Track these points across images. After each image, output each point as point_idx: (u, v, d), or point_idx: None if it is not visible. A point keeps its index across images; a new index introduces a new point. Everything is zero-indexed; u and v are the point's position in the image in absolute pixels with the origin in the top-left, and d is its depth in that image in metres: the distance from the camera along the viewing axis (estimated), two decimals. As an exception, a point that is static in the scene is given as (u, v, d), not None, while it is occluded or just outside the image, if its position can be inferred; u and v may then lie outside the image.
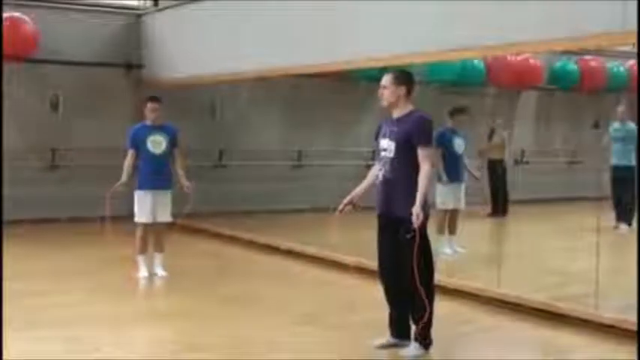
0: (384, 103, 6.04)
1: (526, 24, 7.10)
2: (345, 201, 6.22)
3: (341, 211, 6.23)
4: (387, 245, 5.99)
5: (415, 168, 5.83)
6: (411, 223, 5.70)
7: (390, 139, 5.93)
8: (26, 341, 6.16)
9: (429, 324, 5.90)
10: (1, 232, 6.63)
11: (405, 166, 5.85)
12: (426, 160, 5.82)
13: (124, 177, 8.55)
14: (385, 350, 6.01)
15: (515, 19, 7.20)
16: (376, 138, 6.16)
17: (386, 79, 6.01)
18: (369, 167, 6.83)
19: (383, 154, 5.99)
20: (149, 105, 8.62)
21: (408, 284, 5.83)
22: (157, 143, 8.53)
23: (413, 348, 5.92)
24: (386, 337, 6.10)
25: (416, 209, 5.67)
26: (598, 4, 6.44)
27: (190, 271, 9.33)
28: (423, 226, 5.88)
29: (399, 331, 6.07)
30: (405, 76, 6.05)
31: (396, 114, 6.00)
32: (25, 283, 8.31)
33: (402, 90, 5.97)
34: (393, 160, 5.90)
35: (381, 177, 5.99)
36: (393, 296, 6.05)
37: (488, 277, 8.16)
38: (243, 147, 14.01)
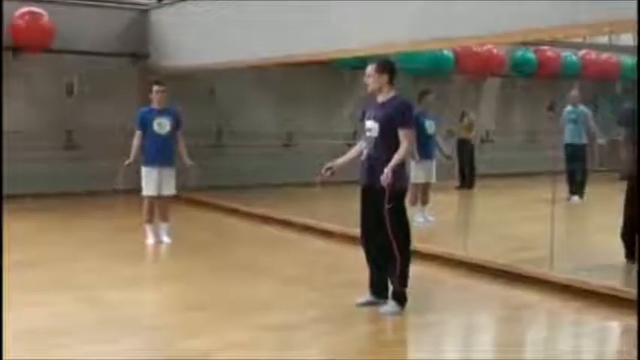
0: (369, 89, 6.09)
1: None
2: (327, 166, 6.23)
3: (321, 175, 6.23)
4: (369, 213, 6.04)
5: (395, 146, 5.89)
6: (389, 197, 5.77)
7: (375, 120, 5.98)
8: (47, 303, 6.19)
9: (404, 284, 5.97)
10: (1, 227, 6.60)
11: (387, 144, 5.91)
12: (405, 139, 5.89)
13: (132, 156, 8.54)
14: (365, 308, 6.07)
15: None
16: (361, 119, 6.21)
17: (370, 69, 6.05)
18: (350, 146, 6.84)
19: (368, 134, 6.05)
20: (155, 88, 8.61)
21: (387, 249, 5.90)
22: (162, 125, 8.53)
23: (390, 306, 5.99)
24: (366, 295, 6.16)
25: (387, 170, 5.74)
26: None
27: (192, 239, 9.35)
28: (401, 198, 5.97)
29: (378, 290, 6.13)
30: (386, 65, 6.08)
31: (380, 99, 6.04)
32: (46, 251, 8.35)
33: (385, 78, 6.02)
34: (376, 139, 5.96)
35: (365, 154, 6.05)
36: (373, 259, 6.12)
37: (456, 242, 8.22)
38: (239, 128, 13.99)
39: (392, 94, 6.04)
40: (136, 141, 8.57)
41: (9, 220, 10.06)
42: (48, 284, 6.81)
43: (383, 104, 6.02)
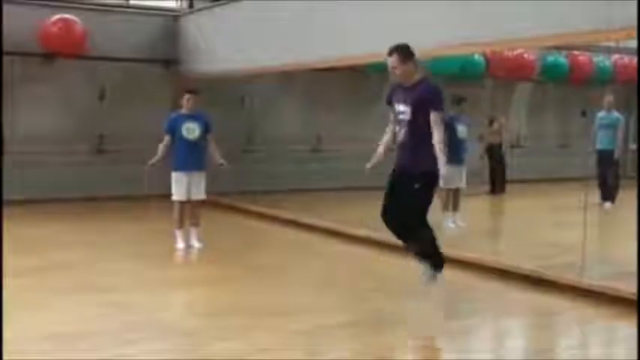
0: (398, 79, 6.14)
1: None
2: (368, 166, 6.48)
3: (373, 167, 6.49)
4: (396, 194, 6.19)
5: (428, 130, 6.01)
6: (421, 177, 6.01)
7: (406, 104, 6.09)
8: (75, 304, 6.25)
9: (438, 253, 6.31)
10: (1, 227, 6.68)
11: (419, 126, 6.04)
12: (437, 125, 6.00)
13: (157, 156, 8.61)
14: (396, 312, 6.07)
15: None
16: (389, 102, 6.29)
17: (393, 60, 6.10)
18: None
19: (401, 117, 6.17)
20: (185, 96, 8.68)
21: (412, 228, 6.19)
22: (190, 130, 8.57)
23: (428, 273, 6.33)
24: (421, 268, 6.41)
25: (442, 167, 5.95)
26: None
27: (221, 243, 9.37)
28: (433, 181, 6.12)
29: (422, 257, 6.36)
30: (408, 52, 6.13)
31: (408, 83, 6.11)
32: (75, 255, 8.41)
33: (411, 65, 6.10)
34: (409, 122, 6.08)
35: (400, 137, 6.18)
36: (397, 230, 6.34)
37: (487, 248, 8.19)
38: (268, 133, 14.06)
39: (419, 76, 6.12)
40: (163, 143, 8.64)
41: (39, 223, 10.26)
42: (75, 287, 6.85)
43: (412, 87, 6.12)
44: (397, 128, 6.24)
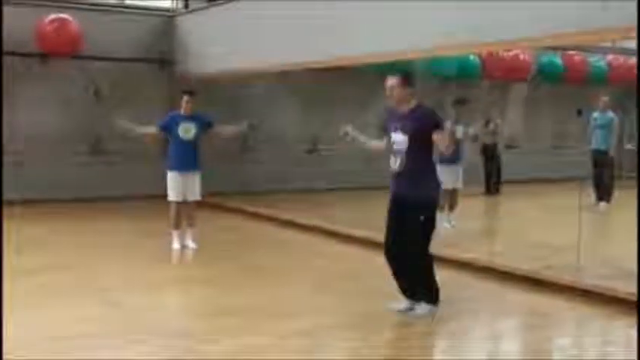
0: (394, 101, 6.08)
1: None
2: (344, 130, 6.60)
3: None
4: (398, 225, 6.03)
5: (425, 159, 5.98)
6: (422, 209, 5.89)
7: (403, 132, 5.98)
8: (72, 306, 6.25)
9: (436, 289, 6.08)
10: (1, 228, 6.67)
11: (416, 157, 5.94)
12: (441, 137, 5.92)
13: (139, 127, 8.86)
14: (392, 314, 6.06)
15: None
16: (385, 130, 6.23)
17: (393, 81, 6.04)
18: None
19: (395, 147, 6.05)
20: (184, 97, 8.71)
21: (414, 260, 5.97)
22: (186, 130, 8.59)
23: (424, 306, 6.05)
24: (403, 302, 6.15)
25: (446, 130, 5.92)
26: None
27: (217, 243, 9.38)
28: (434, 208, 6.05)
29: (411, 295, 6.12)
30: (408, 77, 6.10)
31: (404, 109, 6.05)
32: (72, 255, 8.42)
33: (409, 90, 6.04)
34: (406, 152, 5.96)
35: (397, 167, 6.03)
36: (400, 271, 6.09)
37: (482, 248, 8.19)
38: (265, 133, 14.03)
39: (414, 103, 6.07)
40: (150, 129, 8.81)
41: (35, 224, 10.24)
42: (73, 287, 6.86)
43: (408, 115, 6.02)
44: (393, 159, 6.14)
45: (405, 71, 6.26)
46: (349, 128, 6.62)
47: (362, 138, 6.62)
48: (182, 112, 8.68)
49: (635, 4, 5.82)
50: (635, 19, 5.79)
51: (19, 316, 5.57)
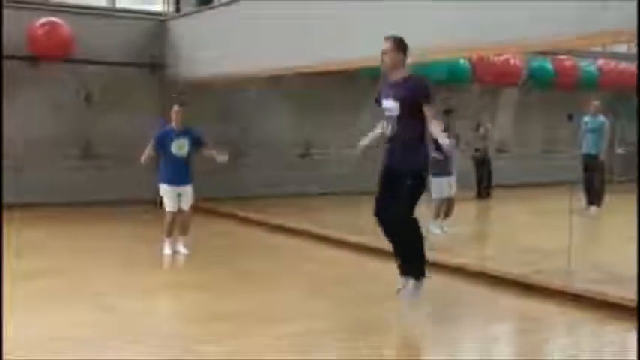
0: (385, 67, 6.13)
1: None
2: (366, 143, 6.53)
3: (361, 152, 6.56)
4: (388, 191, 6.15)
5: (417, 125, 6.03)
6: (412, 176, 6.00)
7: (395, 99, 6.06)
8: (65, 311, 6.24)
9: (423, 254, 6.23)
10: (1, 232, 6.67)
11: (407, 124, 6.03)
12: (434, 117, 6.06)
13: (146, 154, 8.68)
14: (382, 317, 6.08)
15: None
16: (377, 102, 6.29)
17: (387, 45, 6.10)
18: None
19: (388, 113, 6.14)
20: (174, 108, 8.72)
21: (402, 225, 6.13)
22: (180, 147, 8.60)
23: (412, 286, 6.22)
24: (401, 280, 6.32)
25: (445, 141, 6.06)
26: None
27: (209, 249, 9.38)
28: (425, 175, 6.20)
29: (405, 270, 6.29)
30: (403, 43, 6.15)
31: (395, 77, 6.12)
32: (64, 260, 8.41)
33: (401, 56, 6.10)
34: (398, 117, 6.04)
35: (389, 133, 6.13)
36: (387, 228, 6.25)
37: (473, 253, 8.21)
38: (258, 137, 14.05)
39: (406, 73, 6.12)
40: (148, 150, 8.69)
41: (27, 228, 10.21)
42: (66, 292, 6.85)
43: (399, 83, 6.10)
44: (385, 125, 6.20)
45: (401, 38, 6.23)
46: (362, 143, 6.58)
47: (367, 140, 6.61)
48: (174, 125, 8.66)
49: (635, 4, 5.85)
50: (635, 19, 5.82)
51: (13, 319, 5.54)
